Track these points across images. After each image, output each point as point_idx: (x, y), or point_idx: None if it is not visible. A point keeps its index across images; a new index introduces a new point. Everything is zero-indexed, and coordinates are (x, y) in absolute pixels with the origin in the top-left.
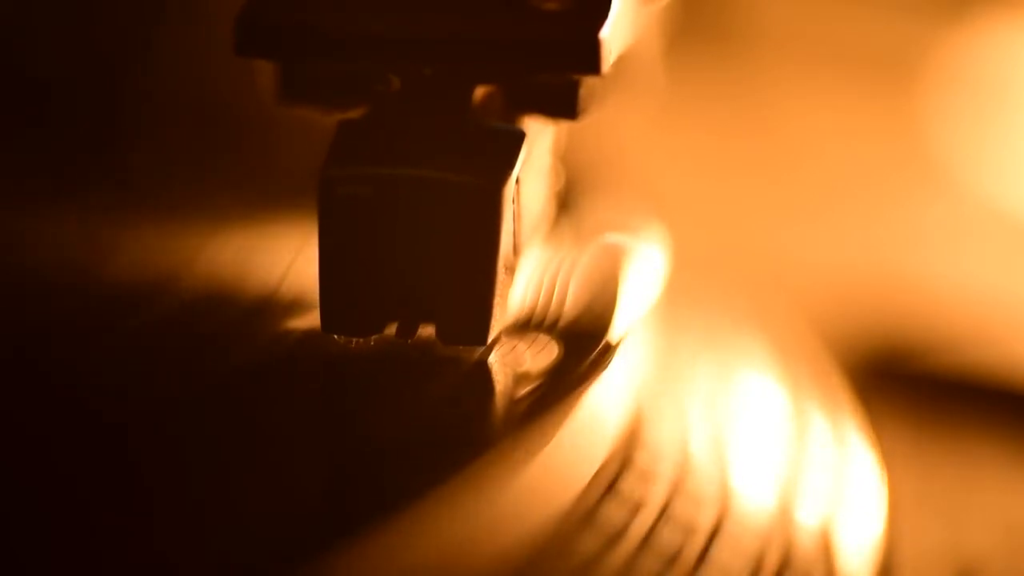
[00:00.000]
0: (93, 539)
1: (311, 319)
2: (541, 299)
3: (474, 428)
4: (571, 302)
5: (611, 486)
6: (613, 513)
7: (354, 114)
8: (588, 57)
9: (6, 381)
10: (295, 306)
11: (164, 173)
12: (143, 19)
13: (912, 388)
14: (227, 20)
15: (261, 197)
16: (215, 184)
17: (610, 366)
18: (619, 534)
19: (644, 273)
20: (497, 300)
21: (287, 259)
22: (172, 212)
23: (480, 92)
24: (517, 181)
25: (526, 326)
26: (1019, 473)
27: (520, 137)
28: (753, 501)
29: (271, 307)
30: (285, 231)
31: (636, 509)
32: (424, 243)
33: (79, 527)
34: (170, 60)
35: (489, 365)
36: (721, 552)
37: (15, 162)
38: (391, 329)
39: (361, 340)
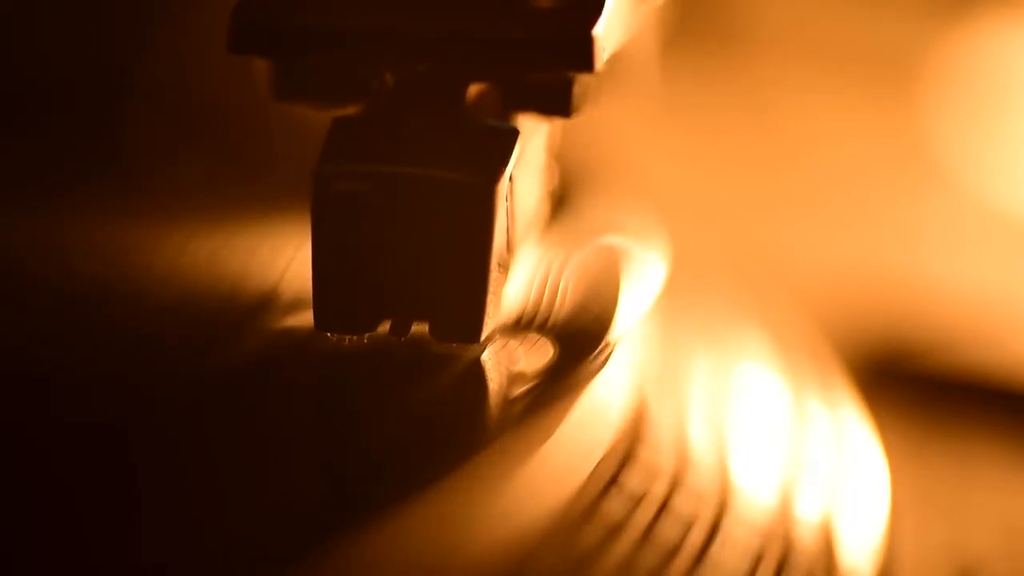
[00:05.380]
0: (90, 540)
1: (306, 317)
2: (537, 298)
3: (469, 426)
4: (568, 301)
5: (609, 484)
6: (611, 511)
7: (349, 111)
8: (581, 54)
9: (4, 381)
10: (291, 304)
11: (163, 172)
12: (143, 19)
13: (912, 388)
14: (225, 19)
15: (260, 195)
16: (214, 182)
17: (608, 365)
18: (617, 532)
19: (642, 272)
20: (490, 298)
21: (285, 257)
22: (170, 211)
23: (474, 89)
24: (511, 179)
25: (522, 325)
26: (1019, 473)
27: (514, 135)
28: (754, 500)
29: (267, 306)
30: (283, 230)
31: (634, 508)
32: (418, 240)
33: (76, 528)
34: (170, 60)
35: (483, 363)
36: (720, 552)
37: (14, 162)
38: (385, 327)
39: (355, 338)
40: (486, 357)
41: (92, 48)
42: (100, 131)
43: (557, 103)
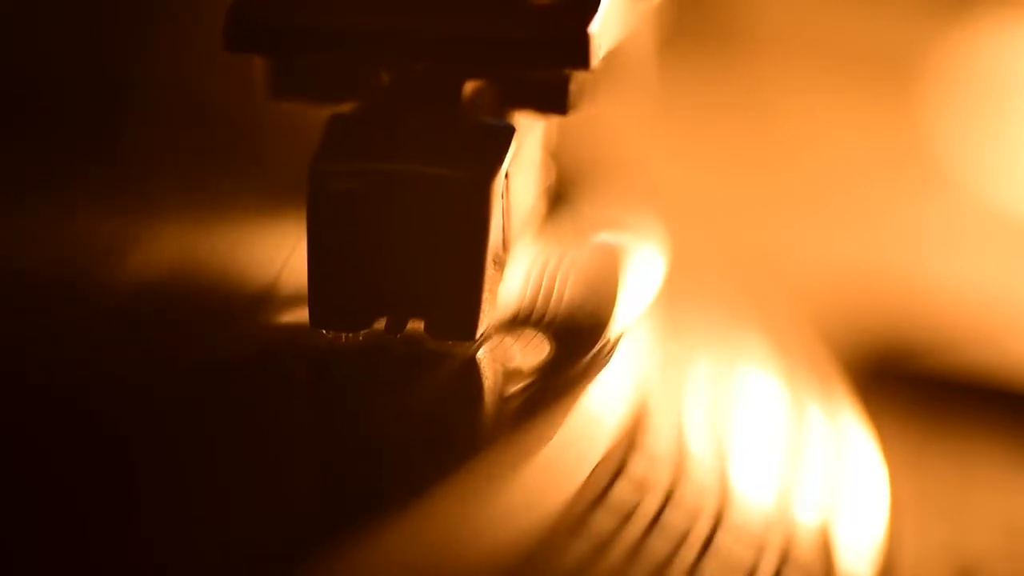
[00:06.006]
0: (90, 540)
1: (302, 315)
2: (533, 295)
3: (465, 424)
4: (565, 299)
5: (608, 485)
6: (610, 511)
7: (345, 109)
8: (577, 52)
9: (4, 381)
10: (288, 302)
11: (161, 171)
12: (143, 19)
13: (912, 388)
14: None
15: (258, 193)
16: (212, 180)
17: (606, 364)
18: (613, 537)
19: (640, 270)
20: (486, 295)
21: (282, 255)
22: (168, 209)
23: (470, 87)
24: (506, 176)
25: (518, 322)
26: (1019, 473)
27: (510, 132)
28: (753, 501)
29: (264, 302)
30: (280, 227)
31: (632, 511)
32: (413, 238)
33: (75, 527)
34: (170, 60)
35: (479, 361)
36: (720, 553)
37: (13, 161)
38: (380, 324)
39: (350, 335)
40: (482, 355)
41: (92, 48)
42: (100, 131)
43: (553, 101)
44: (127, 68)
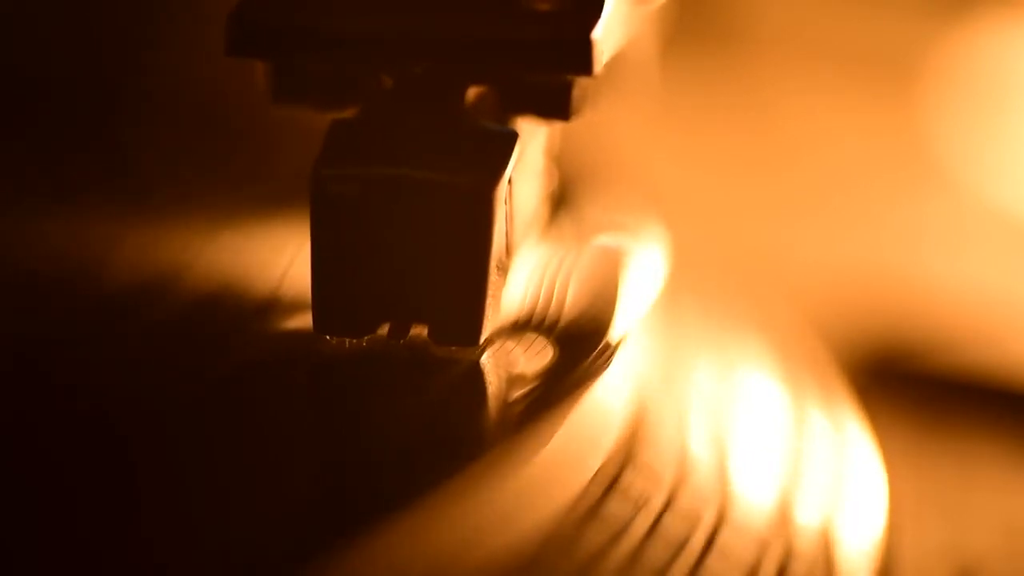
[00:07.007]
0: (90, 540)
1: (305, 320)
2: (536, 300)
3: (468, 429)
4: (568, 303)
5: (610, 487)
6: (613, 515)
7: (347, 113)
8: (580, 57)
9: (4, 381)
10: (291, 307)
11: (163, 173)
12: (143, 19)
13: (912, 388)
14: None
15: (260, 198)
16: (214, 185)
17: (608, 367)
18: (618, 537)
19: (642, 273)
20: (489, 301)
21: (285, 260)
22: (170, 213)
23: (473, 92)
24: (510, 182)
25: (521, 327)
26: (1019, 473)
27: (513, 137)
28: (753, 502)
29: (267, 308)
30: (283, 232)
31: (634, 514)
32: (416, 243)
33: (76, 527)
34: (170, 60)
35: (482, 366)
36: (721, 554)
37: (14, 162)
38: (383, 330)
39: (354, 341)
40: (485, 360)
41: (92, 48)
42: (100, 131)
43: (556, 106)
44: (127, 68)
